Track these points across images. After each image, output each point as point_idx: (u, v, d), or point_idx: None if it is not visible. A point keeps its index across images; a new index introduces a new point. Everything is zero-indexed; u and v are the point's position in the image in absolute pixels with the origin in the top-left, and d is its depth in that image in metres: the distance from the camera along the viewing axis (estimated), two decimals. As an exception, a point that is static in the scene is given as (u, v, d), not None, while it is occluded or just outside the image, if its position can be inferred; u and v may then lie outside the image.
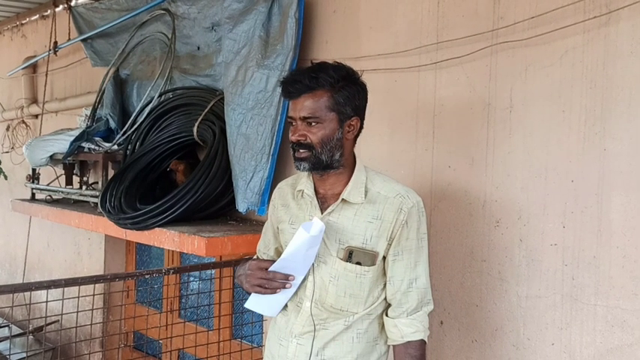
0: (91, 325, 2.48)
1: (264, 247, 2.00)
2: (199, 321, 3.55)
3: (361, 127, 1.75)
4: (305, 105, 1.65)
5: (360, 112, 1.72)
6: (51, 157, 3.86)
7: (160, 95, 3.35)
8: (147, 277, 2.50)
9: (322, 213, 1.73)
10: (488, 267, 2.14)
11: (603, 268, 1.85)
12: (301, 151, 1.67)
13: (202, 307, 3.53)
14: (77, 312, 2.31)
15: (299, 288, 1.79)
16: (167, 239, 2.66)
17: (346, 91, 1.66)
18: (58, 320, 3.72)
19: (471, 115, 2.19)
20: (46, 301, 2.25)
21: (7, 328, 4.80)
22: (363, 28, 2.59)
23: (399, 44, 2.43)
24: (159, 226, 2.73)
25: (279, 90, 2.67)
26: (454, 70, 2.24)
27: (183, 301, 3.90)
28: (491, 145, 2.13)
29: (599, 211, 1.86)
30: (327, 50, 2.72)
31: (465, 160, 2.21)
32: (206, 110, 3.00)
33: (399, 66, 2.42)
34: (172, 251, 4.03)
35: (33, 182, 4.13)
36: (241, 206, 2.75)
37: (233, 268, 3.36)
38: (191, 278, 3.76)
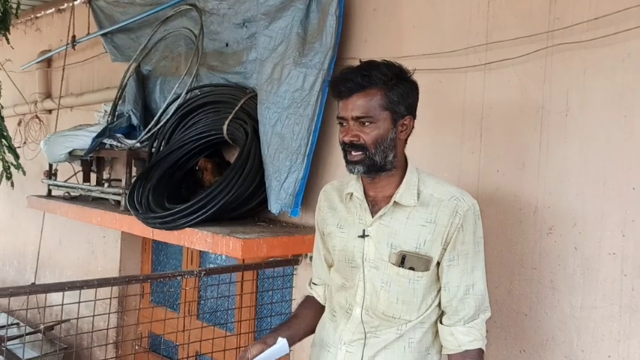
0: (123, 327, 2.39)
1: (316, 253, 1.93)
2: (219, 325, 3.48)
3: (413, 127, 1.68)
4: (357, 104, 1.58)
5: (412, 110, 1.66)
6: (70, 152, 3.78)
7: (187, 92, 3.28)
8: (178, 278, 2.43)
9: (373, 216, 1.67)
10: (539, 275, 2.07)
11: (667, 279, 1.79)
12: (354, 153, 1.61)
13: (222, 311, 3.46)
14: (108, 313, 2.23)
15: (348, 294, 1.72)
16: (199, 240, 2.58)
17: (400, 88, 1.60)
18: (70, 320, 3.66)
19: (522, 118, 2.13)
20: (79, 302, 2.17)
21: (16, 328, 4.72)
22: (406, 27, 2.52)
23: (445, 44, 2.36)
24: (190, 226, 2.65)
25: (316, 89, 2.62)
26: (505, 72, 2.18)
27: (202, 302, 3.82)
28: (544, 149, 2.07)
29: (662, 219, 1.80)
30: (366, 49, 2.66)
31: (515, 165, 2.14)
32: (237, 108, 2.94)
33: (445, 66, 2.36)
34: (191, 251, 3.96)
35: (50, 178, 4.05)
36: (274, 207, 2.69)
37: (256, 272, 3.31)
38: (211, 280, 3.68)
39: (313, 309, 1.91)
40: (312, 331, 1.90)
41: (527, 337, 2.10)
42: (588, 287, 1.95)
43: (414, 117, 1.67)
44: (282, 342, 1.68)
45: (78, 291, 2.15)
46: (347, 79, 1.59)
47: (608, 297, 1.91)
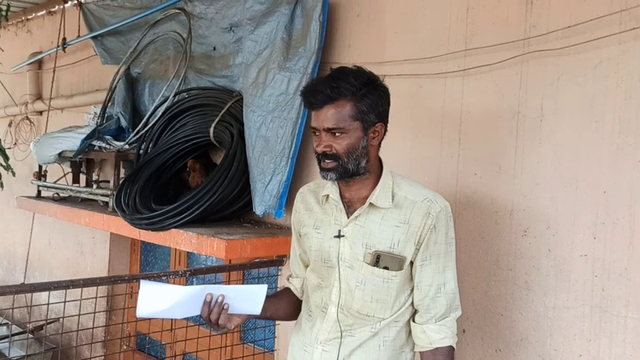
0: (110, 326, 2.43)
1: (293, 253, 1.98)
2: (205, 324, 3.51)
3: (385, 131, 1.73)
4: (328, 116, 1.62)
5: (383, 117, 1.70)
6: (59, 154, 3.81)
7: (175, 95, 3.32)
8: (163, 278, 2.47)
9: (348, 217, 1.72)
10: (514, 276, 2.12)
11: (635, 279, 1.84)
12: (327, 161, 1.65)
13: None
14: (94, 312, 2.26)
15: (324, 293, 1.77)
16: (184, 241, 2.62)
17: (369, 98, 1.63)
18: (59, 319, 3.68)
19: (499, 123, 2.18)
20: (64, 302, 2.21)
21: (5, 327, 4.74)
22: (388, 33, 2.57)
23: (425, 50, 2.42)
24: (175, 227, 2.69)
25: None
26: (483, 78, 2.23)
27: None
28: (519, 153, 2.12)
29: (631, 222, 1.85)
30: (350, 54, 2.71)
31: (491, 168, 2.20)
32: (223, 111, 2.98)
33: (425, 72, 2.41)
34: (179, 252, 3.99)
35: (40, 179, 4.07)
36: (258, 209, 2.73)
37: (243, 272, 3.35)
38: (197, 281, 3.72)
39: (287, 296, 1.95)
40: (282, 315, 1.95)
41: (502, 337, 2.16)
42: (561, 288, 2.01)
43: (386, 122, 1.71)
44: (261, 286, 1.67)
45: (66, 291, 2.19)
46: (317, 90, 1.63)
47: (579, 297, 1.96)
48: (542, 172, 2.06)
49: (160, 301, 1.55)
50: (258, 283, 3.20)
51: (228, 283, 3.20)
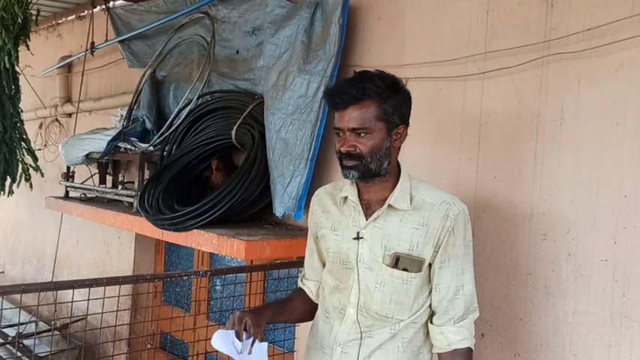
0: (129, 324, 2.48)
1: (308, 254, 1.99)
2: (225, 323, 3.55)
3: (406, 134, 1.74)
4: (353, 116, 1.64)
5: (406, 120, 1.73)
6: (87, 155, 3.90)
7: (199, 98, 3.37)
8: (184, 278, 2.51)
9: (367, 219, 1.73)
10: (533, 280, 2.11)
11: (657, 285, 1.81)
12: (350, 160, 1.67)
13: (231, 311, 3.53)
14: (117, 311, 2.32)
15: (342, 295, 1.78)
16: (205, 241, 2.66)
17: (393, 100, 1.66)
18: (84, 317, 3.76)
19: (519, 126, 2.17)
20: (88, 299, 2.26)
21: (35, 325, 4.85)
22: (408, 36, 2.58)
23: (445, 53, 2.41)
24: (197, 227, 2.74)
25: (319, 95, 2.69)
26: (502, 81, 2.22)
27: (212, 303, 3.91)
28: (539, 157, 2.10)
29: (653, 227, 1.83)
30: (370, 57, 2.72)
31: (511, 172, 2.18)
32: (245, 114, 3.01)
33: (445, 75, 2.41)
34: (202, 252, 4.04)
35: (68, 180, 4.17)
36: (278, 210, 2.76)
37: (265, 273, 3.38)
38: (221, 281, 3.77)
39: (303, 302, 1.96)
40: (296, 316, 1.99)
41: (521, 342, 2.14)
42: (581, 293, 1.98)
43: (408, 125, 1.73)
44: (263, 348, 1.72)
45: (89, 289, 2.25)
46: (342, 91, 1.65)
47: (599, 303, 1.94)
48: (563, 176, 2.04)
49: (224, 345, 1.67)
50: (278, 283, 3.23)
51: (250, 284, 3.23)
